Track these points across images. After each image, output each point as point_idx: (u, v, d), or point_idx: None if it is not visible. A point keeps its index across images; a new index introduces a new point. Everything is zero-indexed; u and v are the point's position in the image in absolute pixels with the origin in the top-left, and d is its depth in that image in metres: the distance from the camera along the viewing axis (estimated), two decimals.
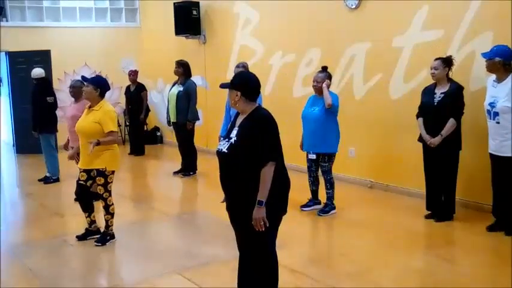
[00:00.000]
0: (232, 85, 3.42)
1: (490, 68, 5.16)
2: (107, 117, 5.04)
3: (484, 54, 5.20)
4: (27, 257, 5.02)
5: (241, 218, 3.34)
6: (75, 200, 6.61)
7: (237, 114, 3.52)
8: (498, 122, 5.05)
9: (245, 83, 3.43)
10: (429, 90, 5.68)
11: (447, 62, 5.53)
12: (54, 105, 8.05)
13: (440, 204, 5.74)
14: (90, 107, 5.19)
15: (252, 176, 3.24)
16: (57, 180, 8.07)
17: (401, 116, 6.63)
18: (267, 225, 3.24)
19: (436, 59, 5.56)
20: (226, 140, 3.38)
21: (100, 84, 5.17)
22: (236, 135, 3.32)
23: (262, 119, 3.33)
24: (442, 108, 5.48)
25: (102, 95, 5.16)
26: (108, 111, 5.11)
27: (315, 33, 7.80)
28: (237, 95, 3.36)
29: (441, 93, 5.52)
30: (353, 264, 4.67)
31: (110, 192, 5.18)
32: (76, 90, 6.61)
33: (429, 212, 5.81)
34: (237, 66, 7.03)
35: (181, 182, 8.17)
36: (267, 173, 3.22)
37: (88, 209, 5.34)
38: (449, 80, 5.56)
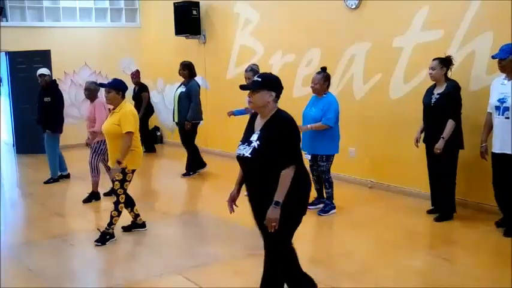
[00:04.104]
0: (266, 86, 3.34)
1: (505, 67, 5.10)
2: (124, 118, 5.18)
3: (498, 55, 5.11)
4: (27, 257, 5.02)
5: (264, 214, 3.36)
6: (84, 200, 6.84)
7: (253, 117, 3.49)
8: (507, 117, 5.03)
9: (278, 84, 3.40)
10: (429, 90, 5.71)
11: (445, 62, 5.54)
12: (53, 105, 7.94)
13: (442, 203, 5.75)
14: (113, 109, 5.32)
15: (276, 178, 3.25)
16: (57, 180, 8.08)
17: (401, 116, 6.64)
18: (277, 227, 3.24)
19: (434, 59, 5.57)
20: (246, 144, 3.35)
21: (121, 88, 5.29)
22: (259, 139, 3.30)
23: (287, 122, 3.33)
24: (438, 108, 5.50)
25: (123, 97, 5.31)
26: (126, 112, 5.23)
27: (315, 33, 7.80)
28: (270, 96, 3.33)
29: (438, 93, 5.55)
30: (353, 264, 4.67)
31: (124, 190, 5.24)
32: (90, 92, 6.74)
33: (432, 208, 5.83)
34: (252, 70, 6.91)
35: (182, 182, 8.17)
36: (288, 175, 3.24)
37: (129, 204, 5.48)
38: (447, 79, 5.57)
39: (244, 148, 3.35)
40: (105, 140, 5.60)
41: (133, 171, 5.25)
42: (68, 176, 8.24)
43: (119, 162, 5.11)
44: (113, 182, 5.27)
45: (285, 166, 3.24)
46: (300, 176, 3.33)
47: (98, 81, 7.32)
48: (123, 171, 5.17)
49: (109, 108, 5.46)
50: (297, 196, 3.32)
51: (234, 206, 3.59)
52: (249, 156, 3.29)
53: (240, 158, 3.38)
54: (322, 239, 5.79)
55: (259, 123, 3.41)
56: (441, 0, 6.18)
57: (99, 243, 5.20)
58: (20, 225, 6.39)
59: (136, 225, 5.62)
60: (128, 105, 5.38)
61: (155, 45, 11.75)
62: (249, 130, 3.44)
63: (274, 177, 3.25)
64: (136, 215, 5.60)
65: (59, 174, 8.15)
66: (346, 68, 7.40)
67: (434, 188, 5.81)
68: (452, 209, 5.72)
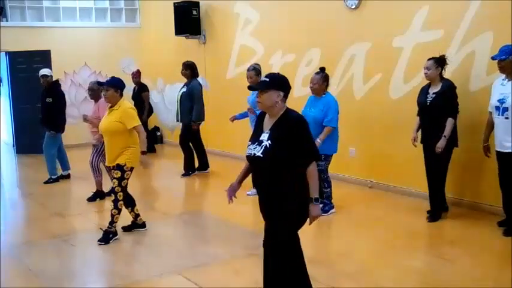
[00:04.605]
0: (274, 85, 3.35)
1: (505, 68, 5.09)
2: (127, 114, 5.21)
3: (497, 56, 5.10)
4: (27, 257, 5.03)
5: (275, 217, 3.39)
6: (88, 199, 6.84)
7: (262, 116, 3.49)
8: (507, 118, 5.03)
9: (286, 83, 3.42)
10: (424, 90, 5.72)
11: (440, 61, 5.53)
12: (54, 106, 7.97)
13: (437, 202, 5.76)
14: (111, 107, 5.32)
15: (286, 177, 3.29)
16: (57, 180, 8.08)
17: (401, 116, 6.63)
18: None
19: (429, 59, 5.58)
20: (257, 143, 3.35)
21: (119, 85, 5.31)
22: (270, 139, 3.31)
23: (297, 121, 3.35)
24: (434, 108, 5.51)
25: (121, 95, 5.33)
26: (126, 108, 5.26)
27: (315, 33, 7.80)
28: (279, 95, 3.34)
29: (433, 93, 5.55)
30: (353, 264, 4.67)
31: (122, 188, 5.24)
32: (94, 92, 6.77)
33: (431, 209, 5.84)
34: (255, 69, 6.90)
35: (181, 182, 8.18)
36: (314, 171, 3.35)
37: (130, 204, 5.50)
38: (442, 79, 5.57)
39: (255, 148, 3.35)
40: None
41: (131, 169, 5.26)
42: (68, 177, 8.25)
43: (144, 152, 5.26)
44: (112, 179, 5.28)
45: (307, 163, 3.32)
46: (304, 175, 3.36)
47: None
48: (122, 169, 5.19)
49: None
50: (304, 194, 3.36)
51: (233, 197, 3.58)
52: (261, 155, 3.30)
53: (251, 158, 3.39)
54: (321, 239, 5.78)
55: (268, 122, 3.41)
56: (441, 0, 6.18)
57: (102, 242, 5.22)
58: (20, 225, 6.39)
59: (137, 225, 5.63)
60: (127, 102, 5.40)
61: (155, 45, 11.75)
62: (258, 130, 3.45)
63: (285, 177, 3.29)
64: (137, 215, 5.61)
65: (60, 174, 8.15)
66: (346, 68, 7.40)
67: (433, 188, 5.80)
68: (443, 208, 5.74)
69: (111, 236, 5.27)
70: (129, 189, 5.41)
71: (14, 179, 9.17)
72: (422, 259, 4.83)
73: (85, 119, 6.68)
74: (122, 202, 5.26)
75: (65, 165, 8.27)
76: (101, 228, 5.38)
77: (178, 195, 7.70)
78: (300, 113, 5.80)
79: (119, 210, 5.26)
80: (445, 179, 5.68)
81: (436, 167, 5.65)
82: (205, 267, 4.64)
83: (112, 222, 5.28)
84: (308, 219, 3.41)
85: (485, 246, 5.04)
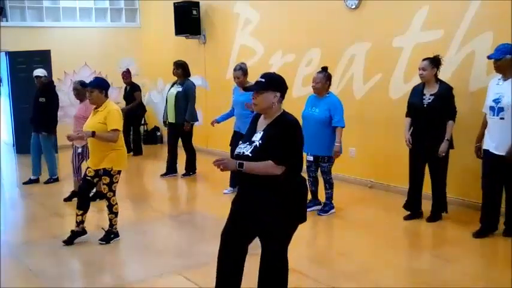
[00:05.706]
0: (270, 86, 3.26)
1: (501, 68, 5.02)
2: (110, 116, 5.09)
3: (493, 55, 5.05)
4: (27, 257, 5.03)
5: (257, 221, 3.29)
6: (65, 199, 6.76)
7: (257, 117, 3.43)
8: (502, 118, 4.96)
9: (282, 83, 3.33)
10: (417, 90, 5.62)
11: (435, 62, 5.47)
12: (47, 106, 7.87)
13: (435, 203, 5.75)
14: (96, 108, 5.24)
15: (272, 180, 3.17)
16: (57, 180, 8.07)
17: (401, 116, 6.60)
18: (223, 169, 3.21)
19: (424, 60, 5.51)
20: (248, 143, 3.28)
21: (104, 86, 5.23)
22: (261, 139, 3.23)
23: (292, 125, 3.25)
24: (432, 110, 5.44)
25: (107, 95, 5.24)
26: (112, 110, 5.16)
27: (315, 33, 7.80)
28: (275, 96, 3.24)
29: (430, 94, 5.48)
30: (353, 264, 4.67)
31: (114, 192, 5.21)
32: (78, 92, 6.72)
33: (409, 213, 5.83)
34: (241, 68, 6.87)
35: (181, 182, 8.17)
36: (269, 166, 3.14)
37: (84, 207, 5.28)
38: (438, 80, 5.53)
39: (245, 147, 3.27)
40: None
41: (119, 172, 5.19)
42: (37, 181, 8.06)
43: (94, 133, 4.97)
44: (102, 185, 5.20)
45: (275, 161, 3.15)
46: (293, 183, 3.25)
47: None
48: (109, 174, 5.11)
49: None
50: (291, 203, 3.25)
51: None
52: (249, 154, 3.22)
53: (239, 157, 3.28)
54: (322, 239, 5.79)
55: (262, 123, 3.33)
56: (441, 0, 6.18)
57: (104, 242, 5.23)
58: (20, 225, 6.39)
59: (78, 233, 5.31)
60: (113, 103, 5.28)
61: (155, 45, 11.75)
62: (252, 130, 3.38)
63: (270, 180, 3.18)
64: (82, 221, 5.29)
65: (29, 179, 8.04)
66: (346, 68, 7.41)
67: (418, 191, 5.77)
68: (443, 209, 5.74)
69: (112, 236, 5.28)
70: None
71: (14, 179, 9.16)
72: (422, 259, 4.83)
73: (69, 138, 5.82)
74: (116, 206, 5.25)
75: (37, 171, 8.10)
76: (102, 228, 5.37)
77: (177, 195, 7.71)
78: (301, 113, 5.94)
79: (115, 214, 5.26)
80: (445, 180, 5.67)
81: (436, 170, 5.64)
82: (205, 267, 4.62)
83: (112, 225, 5.29)
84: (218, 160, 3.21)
85: (485, 246, 5.04)
